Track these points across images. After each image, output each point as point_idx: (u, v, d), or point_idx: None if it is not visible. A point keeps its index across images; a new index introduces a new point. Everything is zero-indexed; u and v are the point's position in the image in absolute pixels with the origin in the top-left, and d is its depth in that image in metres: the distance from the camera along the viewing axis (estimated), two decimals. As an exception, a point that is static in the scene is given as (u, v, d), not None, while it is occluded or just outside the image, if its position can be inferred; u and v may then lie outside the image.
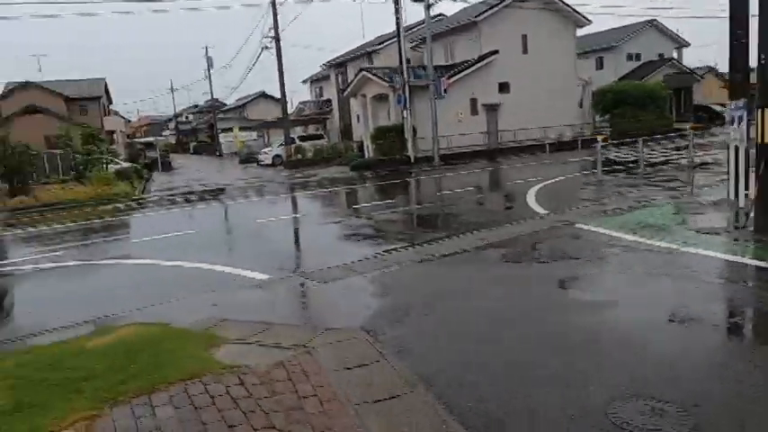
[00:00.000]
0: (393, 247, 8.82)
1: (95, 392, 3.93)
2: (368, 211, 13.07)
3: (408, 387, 3.75)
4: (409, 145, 26.59)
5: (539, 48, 30.17)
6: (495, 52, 29.19)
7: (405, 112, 26.31)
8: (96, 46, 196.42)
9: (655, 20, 42.72)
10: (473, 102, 29.42)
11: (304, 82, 52.35)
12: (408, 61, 26.55)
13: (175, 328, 5.35)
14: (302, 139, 38.61)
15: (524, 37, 30.19)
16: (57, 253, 10.73)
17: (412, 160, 26.27)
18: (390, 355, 4.31)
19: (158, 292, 7.20)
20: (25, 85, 45.29)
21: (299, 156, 33.85)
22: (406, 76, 25.96)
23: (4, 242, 13.51)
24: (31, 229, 14.79)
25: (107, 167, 27.28)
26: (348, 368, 4.11)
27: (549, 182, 15.68)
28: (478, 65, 29.03)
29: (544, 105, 29.86)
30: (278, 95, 38.09)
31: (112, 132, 46.79)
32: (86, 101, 47.21)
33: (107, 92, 52.62)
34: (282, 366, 4.19)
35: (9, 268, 9.90)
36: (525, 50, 30.28)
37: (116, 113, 59.51)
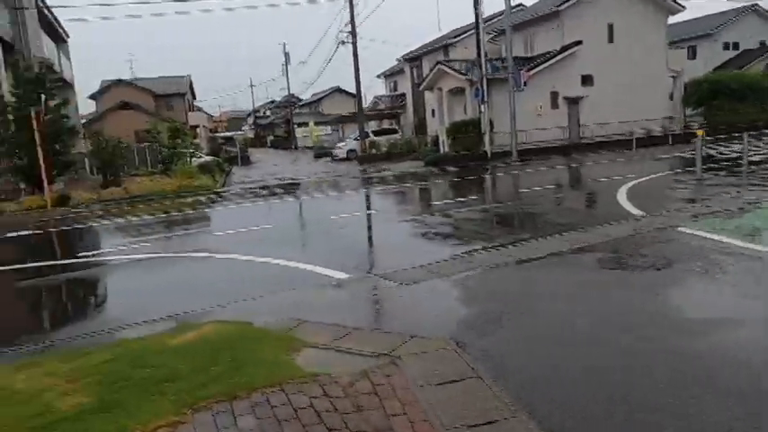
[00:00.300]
0: (474, 247, 8.40)
1: (178, 395, 3.83)
2: (445, 208, 12.68)
3: (507, 411, 3.38)
4: (486, 140, 25.88)
5: (626, 37, 28.53)
6: (579, 43, 27.87)
7: (482, 105, 25.61)
8: (182, 45, 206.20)
9: (756, 4, 39.42)
10: (554, 95, 28.26)
11: (379, 77, 52.42)
12: (486, 54, 25.81)
13: (255, 328, 5.23)
14: (376, 133, 38.63)
15: (610, 26, 28.65)
16: (142, 244, 11.08)
17: (488, 156, 25.56)
18: (484, 371, 3.95)
19: (237, 288, 7.17)
20: (118, 83, 48.09)
21: (373, 150, 33.84)
22: (484, 68, 25.24)
23: (98, 231, 14.19)
24: (120, 220, 15.47)
25: (190, 161, 28.36)
26: (438, 384, 3.78)
27: (641, 180, 14.64)
28: (560, 56, 27.83)
29: (630, 98, 28.21)
30: (352, 90, 38.37)
31: (196, 127, 48.77)
32: (172, 97, 49.54)
33: (191, 88, 54.94)
34: (367, 377, 3.92)
35: (101, 258, 10.31)
36: (611, 40, 28.73)
37: (199, 109, 62.11)
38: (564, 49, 27.88)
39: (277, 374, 4.05)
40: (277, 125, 75.08)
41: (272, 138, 73.84)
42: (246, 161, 41.70)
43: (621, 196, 12.01)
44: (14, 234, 14.44)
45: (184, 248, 10.31)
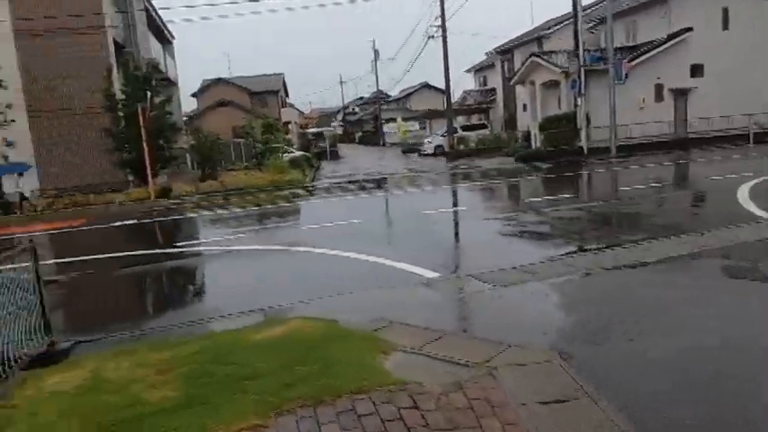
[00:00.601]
0: (572, 249, 7.79)
1: (261, 395, 3.67)
2: (538, 206, 12.00)
3: (627, 442, 2.91)
4: (582, 134, 24.54)
5: (743, 22, 25.96)
6: (688, 30, 25.69)
7: (579, 98, 24.28)
8: (276, 43, 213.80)
9: None
10: (658, 87, 26.26)
11: (468, 71, 51.44)
12: (583, 43, 24.41)
13: (341, 326, 5.02)
14: (465, 128, 37.90)
15: (725, 10, 26.17)
16: (235, 236, 11.32)
17: (584, 151, 24.22)
18: (594, 391, 3.48)
19: (324, 283, 7.04)
20: (217, 82, 50.45)
21: (462, 146, 33.20)
22: (581, 59, 23.90)
23: (195, 222, 14.77)
24: (215, 212, 16.03)
25: (282, 156, 29.09)
26: (542, 402, 3.36)
27: (764, 179, 13.14)
28: (666, 45, 25.79)
29: (747, 89, 25.64)
30: (440, 86, 37.86)
31: (287, 123, 50.24)
32: (267, 94, 51.31)
33: (284, 86, 56.64)
34: (461, 390, 3.57)
35: (196, 248, 10.63)
36: (726, 26, 26.26)
37: (291, 106, 63.98)
38: (671, 36, 25.82)
39: (364, 379, 3.79)
40: (365, 121, 75.87)
41: (360, 134, 74.73)
42: (335, 156, 42.35)
43: (742, 197, 10.79)
44: (121, 223, 15.36)
45: (274, 242, 10.40)
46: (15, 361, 4.54)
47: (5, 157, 21.05)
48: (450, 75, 36.20)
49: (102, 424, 3.47)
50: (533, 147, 27.43)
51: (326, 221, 11.98)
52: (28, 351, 4.79)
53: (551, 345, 4.31)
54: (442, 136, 36.12)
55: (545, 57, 28.32)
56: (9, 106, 20.54)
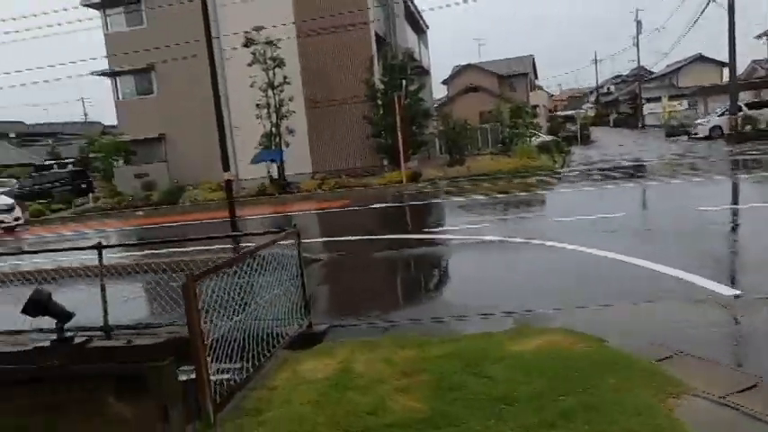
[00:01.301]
0: None
1: (519, 429, 3.11)
2: None
3: None
4: None
5: None
6: None
7: None
8: (526, 24, 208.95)
9: None
10: None
11: (758, 37, 42.87)
12: None
13: (611, 349, 4.16)
14: (751, 106, 31.62)
15: None
16: (481, 225, 10.94)
17: None
18: None
19: (582, 288, 6.15)
20: (466, 68, 51.18)
21: (748, 127, 27.74)
22: None
23: (442, 208, 14.91)
24: (462, 198, 15.94)
25: (530, 140, 28.00)
26: None
27: None
28: None
29: None
30: (717, 57, 32.06)
31: (536, 107, 48.46)
32: (515, 78, 50.31)
33: (534, 68, 54.87)
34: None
35: (443, 236, 10.54)
36: None
37: (540, 88, 61.70)
38: None
39: None
40: (622, 102, 69.35)
41: (614, 116, 68.71)
42: (587, 140, 39.46)
43: None
44: (376, 205, 16.31)
45: (521, 233, 9.71)
46: (278, 340, 4.77)
47: (287, 144, 24.19)
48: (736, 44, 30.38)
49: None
50: None
51: (579, 213, 10.83)
52: (289, 331, 5.02)
53: None
54: (719, 116, 30.76)
55: None
56: (291, 99, 23.54)
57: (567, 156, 28.10)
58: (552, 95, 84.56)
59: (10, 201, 20.38)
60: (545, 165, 22.32)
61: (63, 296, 4.43)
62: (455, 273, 8.37)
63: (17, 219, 19.78)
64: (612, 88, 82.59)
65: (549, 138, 32.24)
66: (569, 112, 61.32)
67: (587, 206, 12.00)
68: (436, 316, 5.66)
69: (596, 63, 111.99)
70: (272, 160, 24.33)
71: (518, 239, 9.22)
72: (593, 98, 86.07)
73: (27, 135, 53.74)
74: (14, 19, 64.86)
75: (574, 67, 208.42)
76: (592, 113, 76.33)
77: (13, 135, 50.82)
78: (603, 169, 20.05)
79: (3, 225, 18.83)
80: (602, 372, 3.71)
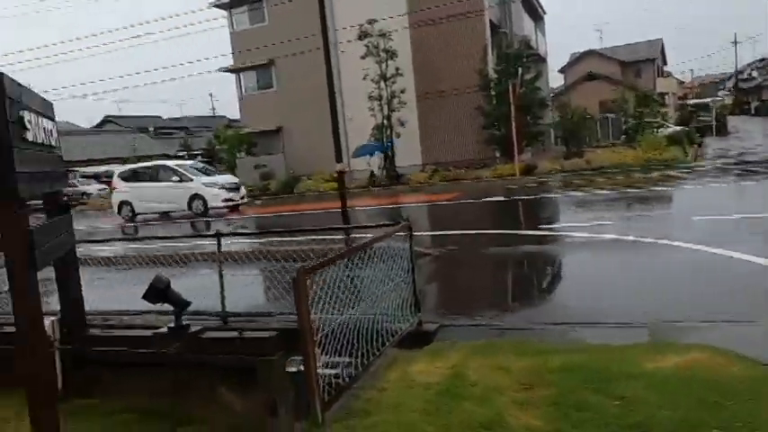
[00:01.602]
0: None
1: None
2: None
3: None
4: None
5: None
6: None
7: None
8: (655, 6, 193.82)
9: None
10: None
11: None
12: None
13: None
14: None
15: None
16: (600, 223, 10.12)
17: None
18: None
19: (723, 298, 5.41)
20: (586, 55, 48.46)
21: None
22: None
23: (558, 203, 14.12)
24: (579, 193, 14.96)
25: (657, 131, 25.87)
26: None
27: None
28: None
29: None
30: None
31: (664, 95, 44.86)
32: (641, 64, 46.89)
33: (663, 53, 50.84)
34: None
35: (559, 233, 9.91)
36: None
37: (669, 75, 57.06)
38: None
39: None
40: (765, 88, 62.20)
41: (756, 104, 61.79)
42: (723, 131, 35.74)
43: None
44: (487, 199, 15.81)
45: (647, 233, 8.81)
46: (387, 338, 4.61)
47: (398, 135, 24.22)
48: None
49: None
50: None
51: (717, 213, 9.67)
52: (399, 328, 4.85)
53: None
54: None
55: None
56: (403, 91, 23.52)
57: (700, 148, 25.63)
58: (682, 83, 77.84)
59: (236, 180, 20.97)
60: (675, 157, 20.48)
61: (185, 280, 4.57)
62: (574, 274, 7.78)
63: (242, 197, 20.18)
64: (755, 73, 74.35)
65: (678, 128, 29.59)
66: (702, 100, 56.05)
67: (726, 205, 10.75)
68: (555, 321, 5.23)
69: (735, 45, 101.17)
70: (371, 154, 24.55)
71: (647, 239, 8.38)
72: (730, 84, 78.04)
73: (163, 128, 58.67)
74: (148, 22, 70.80)
75: (707, 52, 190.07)
76: (729, 101, 69.30)
77: (151, 129, 55.77)
78: (743, 163, 17.96)
79: (231, 203, 19.33)
80: (757, 399, 3.14)
